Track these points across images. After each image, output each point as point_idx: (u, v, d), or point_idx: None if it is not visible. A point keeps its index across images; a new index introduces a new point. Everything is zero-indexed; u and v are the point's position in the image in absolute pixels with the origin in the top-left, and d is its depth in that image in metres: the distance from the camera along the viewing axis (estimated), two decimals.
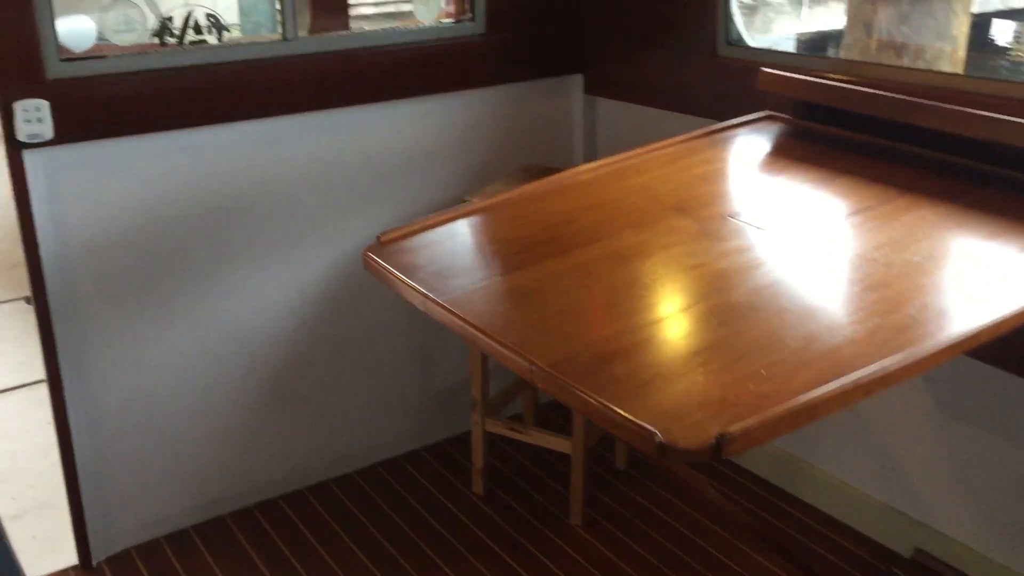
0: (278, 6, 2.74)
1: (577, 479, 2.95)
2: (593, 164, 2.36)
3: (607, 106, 3.38)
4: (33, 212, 2.56)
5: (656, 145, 2.43)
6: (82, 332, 2.68)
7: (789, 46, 3.73)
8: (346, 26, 3.18)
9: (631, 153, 2.39)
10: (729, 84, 2.87)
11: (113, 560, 2.88)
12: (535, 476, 3.24)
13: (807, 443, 3.03)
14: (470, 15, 3.13)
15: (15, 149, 2.49)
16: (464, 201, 2.94)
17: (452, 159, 3.22)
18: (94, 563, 2.85)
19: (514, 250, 2.00)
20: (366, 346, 3.20)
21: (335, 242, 3.04)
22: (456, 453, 3.38)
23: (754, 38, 2.99)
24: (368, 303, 3.15)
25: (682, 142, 2.47)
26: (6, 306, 4.71)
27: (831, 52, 3.50)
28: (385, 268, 1.92)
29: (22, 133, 2.46)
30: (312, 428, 3.18)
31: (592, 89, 3.39)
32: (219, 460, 3.02)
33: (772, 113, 2.59)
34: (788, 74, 2.54)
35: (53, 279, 2.61)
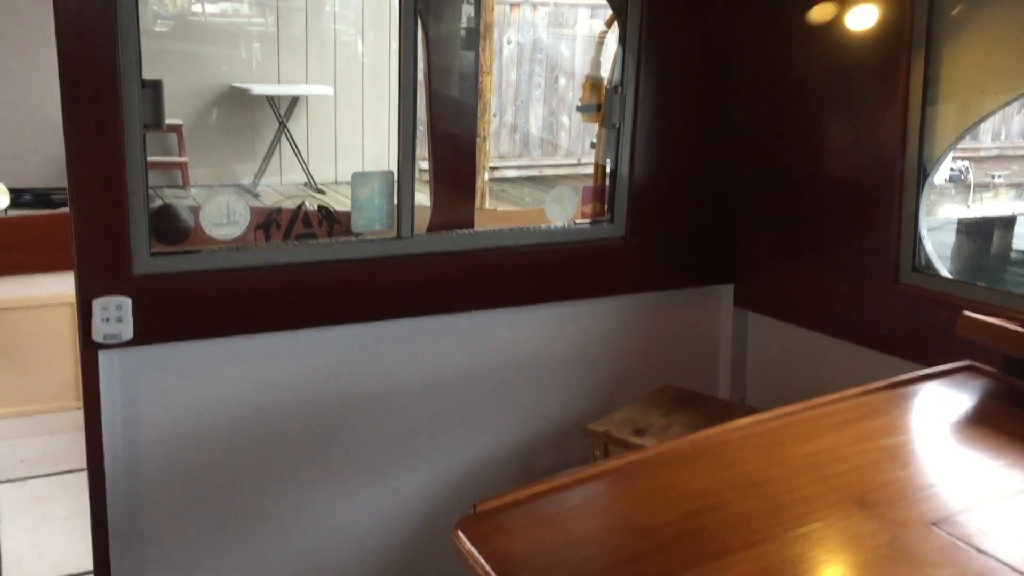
0: (396, 200, 2.48)
1: None
2: (747, 420, 1.91)
3: (760, 323, 2.93)
4: (102, 418, 2.28)
5: (826, 399, 1.96)
6: (140, 551, 2.34)
7: (950, 231, 3.22)
8: (470, 221, 2.88)
9: (794, 408, 1.92)
10: (913, 317, 2.39)
11: None
12: None
13: None
14: (608, 216, 2.79)
15: (89, 348, 2.24)
16: (587, 431, 2.51)
17: (579, 373, 2.82)
18: None
19: (641, 549, 1.54)
20: None
21: (434, 464, 2.65)
22: None
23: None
24: None
25: (858, 396, 1.99)
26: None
27: (999, 240, 2.95)
28: (475, 559, 1.50)
29: (99, 333, 2.21)
30: None
31: (743, 302, 2.96)
32: None
33: (975, 364, 2.08)
34: (998, 322, 2.04)
35: (115, 492, 2.31)
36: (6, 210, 7.89)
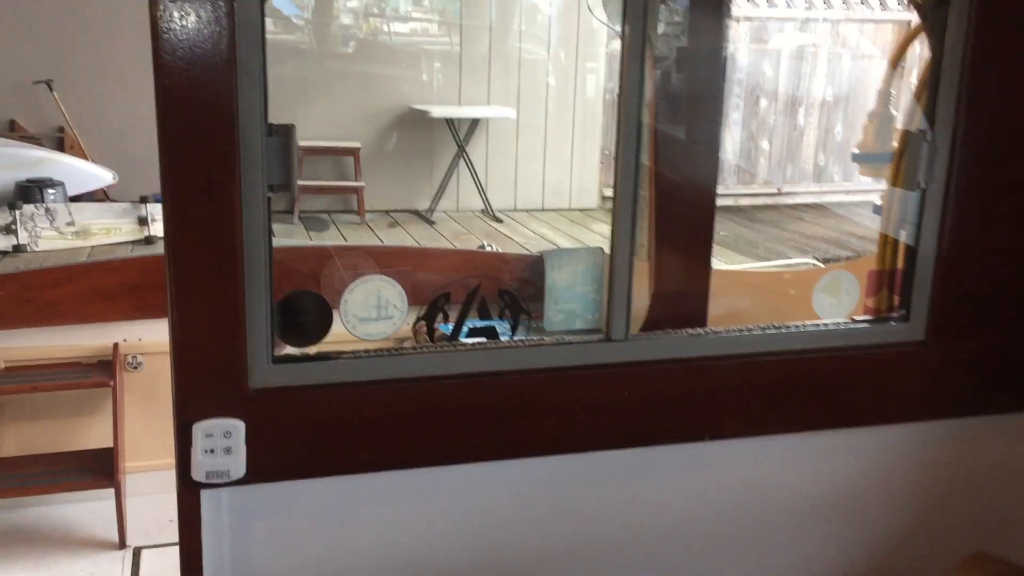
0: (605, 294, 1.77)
1: None
2: None
3: None
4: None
5: None
6: None
7: None
8: (702, 314, 2.12)
9: None
10: None
11: None
12: None
13: None
14: (902, 312, 1.97)
15: (188, 488, 1.65)
16: None
17: (849, 525, 2.02)
18: None
19: None
20: None
21: None
22: None
23: None
24: None
25: None
26: None
27: None
28: None
29: (200, 470, 1.61)
30: None
31: None
32: None
33: None
34: None
35: None
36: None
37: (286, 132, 1.59)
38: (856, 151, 2.28)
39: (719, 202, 7.94)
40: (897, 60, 2.09)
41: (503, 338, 1.91)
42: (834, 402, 1.95)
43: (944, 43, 1.84)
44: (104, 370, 3.66)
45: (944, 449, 2.03)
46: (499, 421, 1.77)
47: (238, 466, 1.63)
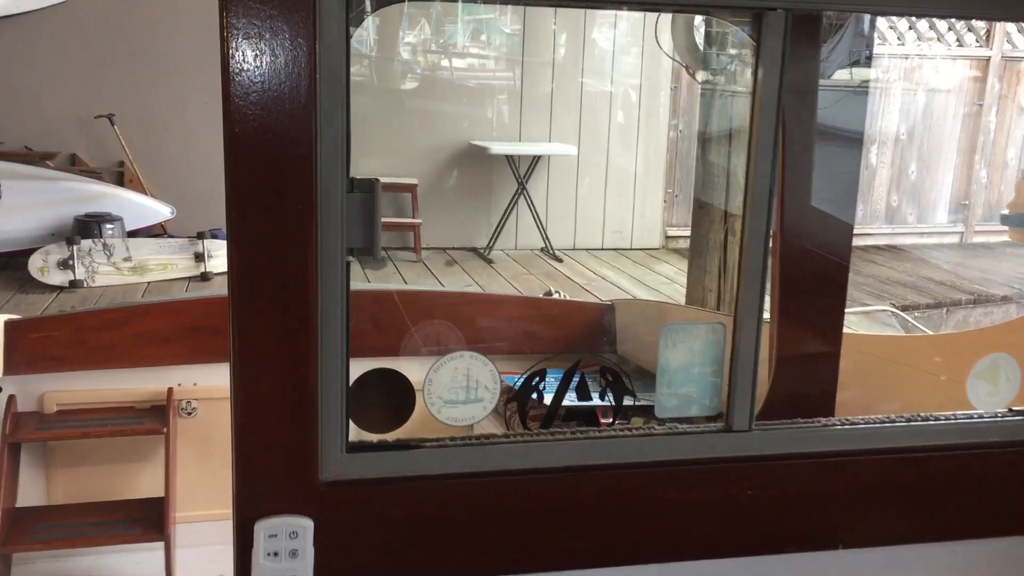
0: (726, 379, 1.52)
1: None
2: None
3: None
4: None
5: None
6: None
7: None
8: (830, 400, 1.85)
9: None
10: None
11: None
12: None
13: None
14: None
15: None
16: None
17: None
18: None
19: None
20: None
21: None
22: None
23: None
24: None
25: None
26: None
27: None
28: None
29: (262, 575, 1.39)
30: None
31: None
32: None
33: None
34: None
35: None
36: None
37: (370, 188, 1.39)
38: (1006, 212, 2.02)
39: None
40: None
41: (607, 423, 1.68)
42: (988, 506, 1.67)
43: None
44: (157, 416, 3.52)
45: None
46: (604, 523, 1.52)
47: (305, 570, 1.41)
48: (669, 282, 7.90)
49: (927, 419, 1.65)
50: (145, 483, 3.62)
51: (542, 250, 8.53)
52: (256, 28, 1.27)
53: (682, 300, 7.24)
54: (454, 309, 3.95)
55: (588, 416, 1.61)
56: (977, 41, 9.64)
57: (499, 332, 4.22)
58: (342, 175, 1.35)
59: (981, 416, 1.67)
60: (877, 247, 9.30)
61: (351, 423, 1.44)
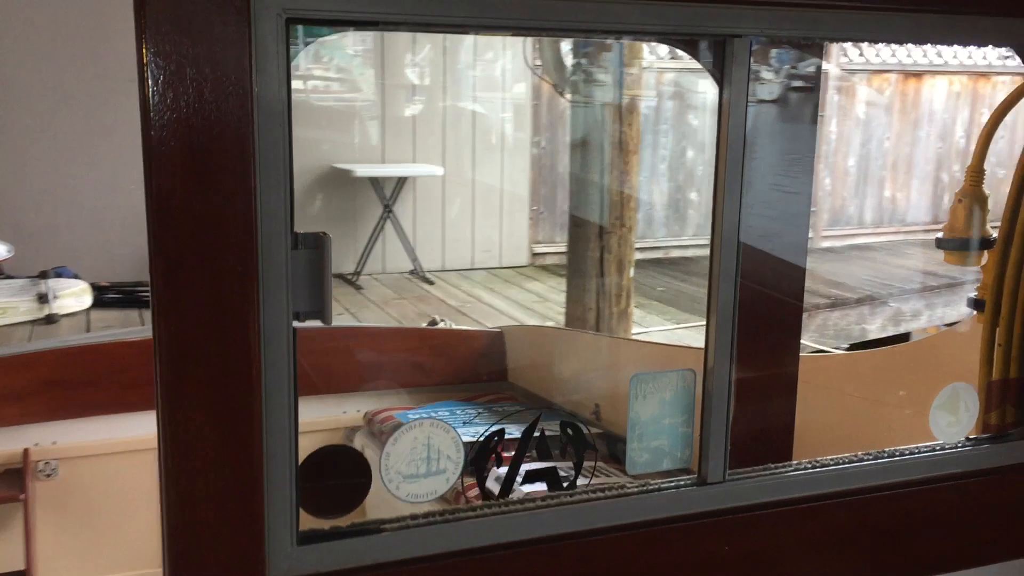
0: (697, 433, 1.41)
1: None
2: None
3: None
4: None
5: None
6: None
7: None
8: (787, 444, 1.78)
9: None
10: None
11: None
12: None
13: None
14: (1020, 429, 1.69)
15: None
16: None
17: None
18: None
19: None
20: None
21: None
22: None
23: None
24: None
25: None
26: None
27: None
28: None
29: None
30: None
31: None
32: None
33: None
34: None
35: None
36: (88, 310, 7.14)
37: (317, 243, 1.22)
38: (941, 235, 2.02)
39: (650, 255, 7.65)
40: (997, 122, 1.83)
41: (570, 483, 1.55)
42: (957, 538, 1.64)
43: None
44: (13, 481, 3.19)
45: None
46: None
47: None
48: (542, 300, 7.87)
49: (893, 455, 1.60)
50: (2, 556, 3.27)
51: (411, 272, 8.35)
52: (181, 64, 1.08)
53: (556, 318, 7.22)
54: (331, 344, 3.74)
55: (552, 480, 1.48)
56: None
57: (384, 367, 4.04)
58: (286, 230, 1.18)
59: (943, 447, 1.64)
60: None
61: (302, 507, 1.26)
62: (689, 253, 9.48)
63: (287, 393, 1.20)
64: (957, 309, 8.47)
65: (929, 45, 9.15)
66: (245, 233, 1.14)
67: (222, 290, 1.14)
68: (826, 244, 10.25)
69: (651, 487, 1.45)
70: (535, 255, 9.04)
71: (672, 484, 1.46)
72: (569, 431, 1.53)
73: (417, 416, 3.23)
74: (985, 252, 1.78)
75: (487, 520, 1.35)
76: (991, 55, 10.84)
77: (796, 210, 1.80)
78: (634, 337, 6.26)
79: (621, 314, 5.90)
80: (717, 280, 1.42)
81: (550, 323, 7.12)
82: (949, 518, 1.63)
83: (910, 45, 9.43)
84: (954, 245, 1.80)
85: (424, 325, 5.01)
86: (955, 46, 9.31)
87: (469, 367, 3.99)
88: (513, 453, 1.50)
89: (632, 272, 5.99)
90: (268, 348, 1.18)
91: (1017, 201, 1.69)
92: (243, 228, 1.14)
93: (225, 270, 1.14)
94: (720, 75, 1.37)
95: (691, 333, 7.14)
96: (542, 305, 7.69)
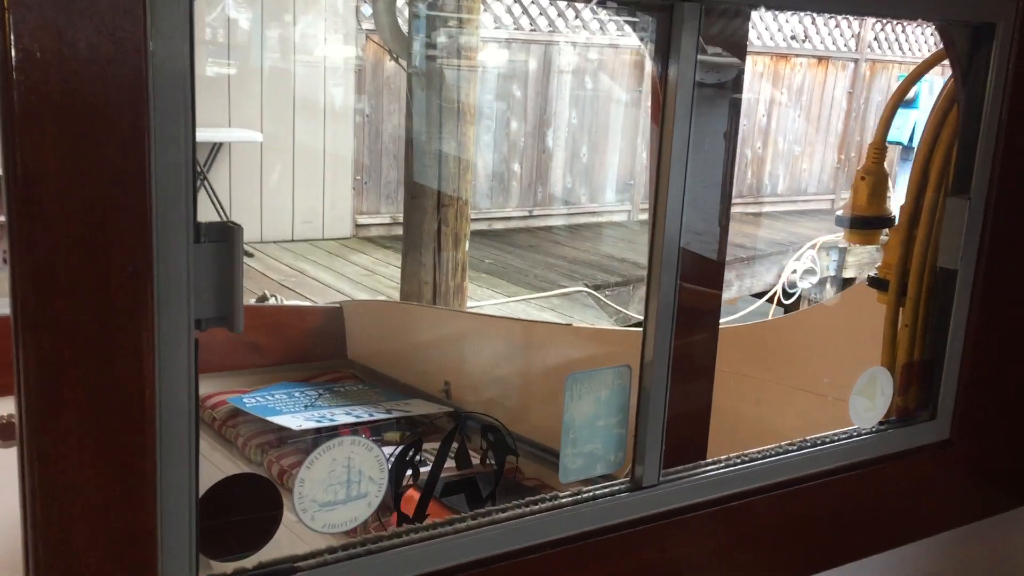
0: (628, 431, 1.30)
1: None
2: None
3: None
4: None
5: None
6: None
7: None
8: (701, 447, 1.70)
9: None
10: None
11: None
12: None
13: None
14: (928, 410, 1.69)
15: None
16: None
17: None
18: None
19: None
20: None
21: None
22: None
23: None
24: None
25: None
26: None
27: None
28: None
29: None
30: None
31: None
32: None
33: None
34: None
35: None
36: None
37: (224, 235, 1.00)
38: (840, 213, 1.99)
39: (475, 226, 7.54)
40: (903, 94, 1.81)
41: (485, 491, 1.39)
42: (879, 520, 1.63)
43: (986, 77, 1.56)
44: None
45: (978, 551, 1.77)
46: None
47: None
48: (370, 274, 7.61)
49: (816, 444, 1.56)
50: None
51: None
52: (56, 11, 0.84)
53: (388, 293, 7.00)
54: None
55: (472, 491, 1.32)
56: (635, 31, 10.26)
57: (214, 348, 3.73)
58: (188, 218, 0.96)
59: (859, 433, 1.61)
60: (557, 227, 9.65)
61: (203, 550, 1.05)
62: (512, 225, 9.46)
63: (187, 419, 0.99)
64: (762, 279, 8.89)
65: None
66: (137, 223, 0.92)
67: (108, 294, 0.91)
68: (643, 217, 10.51)
69: (584, 496, 1.33)
70: (359, 226, 8.74)
71: (606, 491, 1.34)
72: (490, 436, 1.38)
73: (253, 400, 3.00)
74: (886, 230, 1.76)
75: (414, 548, 1.18)
76: (790, 38, 11.42)
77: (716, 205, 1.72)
78: (474, 311, 6.16)
79: (457, 288, 5.77)
80: (658, 268, 1.31)
81: (382, 297, 6.90)
82: (871, 502, 1.61)
83: None
84: (856, 224, 1.77)
85: (253, 302, 4.68)
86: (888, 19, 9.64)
87: (306, 345, 3.76)
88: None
89: (467, 245, 5.87)
90: (164, 365, 0.96)
91: (922, 179, 1.67)
92: (135, 217, 0.91)
93: (112, 269, 0.91)
94: (667, 45, 1.24)
95: (523, 306, 7.11)
96: (371, 279, 7.44)
